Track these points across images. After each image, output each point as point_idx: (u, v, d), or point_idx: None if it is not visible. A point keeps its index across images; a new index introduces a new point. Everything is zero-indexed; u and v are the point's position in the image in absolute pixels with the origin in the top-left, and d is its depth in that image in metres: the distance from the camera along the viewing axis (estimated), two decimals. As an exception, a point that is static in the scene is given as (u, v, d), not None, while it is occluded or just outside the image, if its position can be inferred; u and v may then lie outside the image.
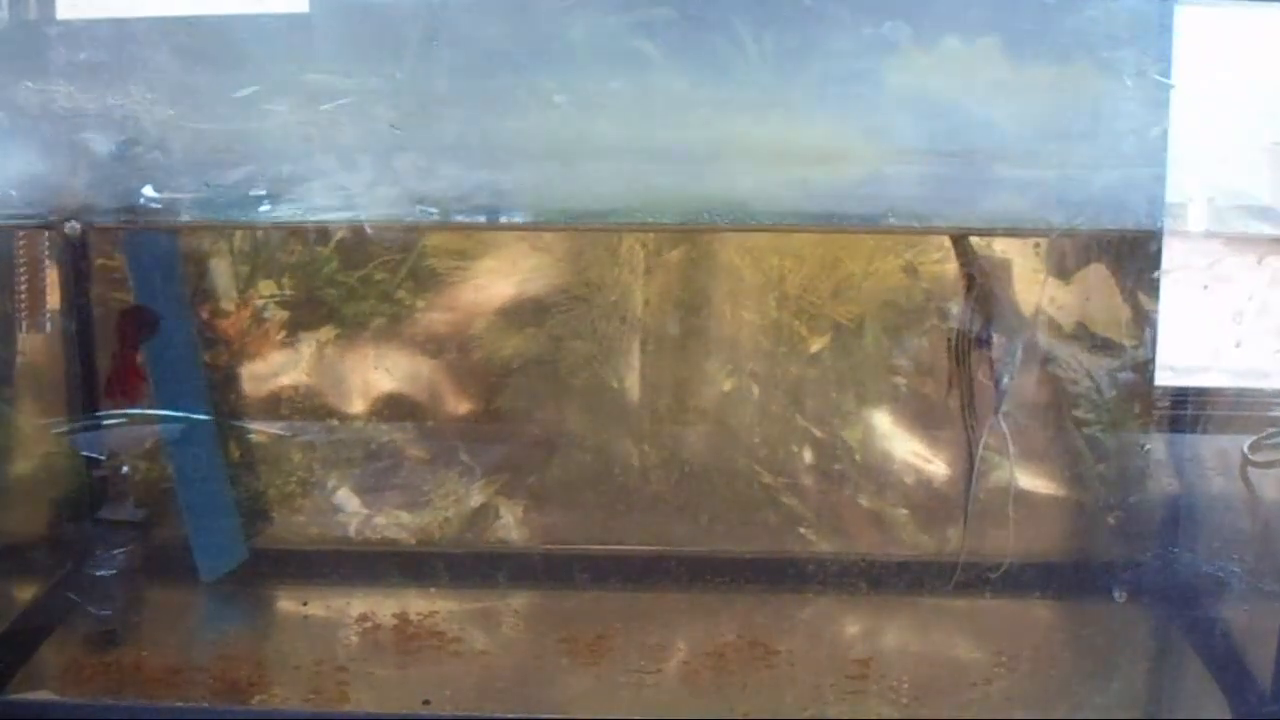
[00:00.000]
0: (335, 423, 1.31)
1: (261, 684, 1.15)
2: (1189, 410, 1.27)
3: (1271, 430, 1.27)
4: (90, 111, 1.05)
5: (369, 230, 1.09)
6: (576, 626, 1.23)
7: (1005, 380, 1.13)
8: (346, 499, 1.33)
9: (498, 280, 1.28)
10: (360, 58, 1.07)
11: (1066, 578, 1.27)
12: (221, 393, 1.30)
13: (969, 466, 1.15)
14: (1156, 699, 1.18)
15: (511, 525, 1.33)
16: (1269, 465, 1.28)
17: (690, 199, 1.11)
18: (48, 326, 1.26)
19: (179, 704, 1.11)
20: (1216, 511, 1.27)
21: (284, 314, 1.30)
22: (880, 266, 1.26)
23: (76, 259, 1.26)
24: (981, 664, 1.19)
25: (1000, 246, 1.23)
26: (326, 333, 1.30)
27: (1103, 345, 1.26)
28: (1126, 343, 1.26)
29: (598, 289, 1.28)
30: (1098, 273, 1.26)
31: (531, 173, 1.12)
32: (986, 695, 1.13)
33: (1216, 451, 1.29)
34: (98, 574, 1.26)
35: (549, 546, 1.34)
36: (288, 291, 1.29)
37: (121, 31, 1.05)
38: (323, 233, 1.26)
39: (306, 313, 1.30)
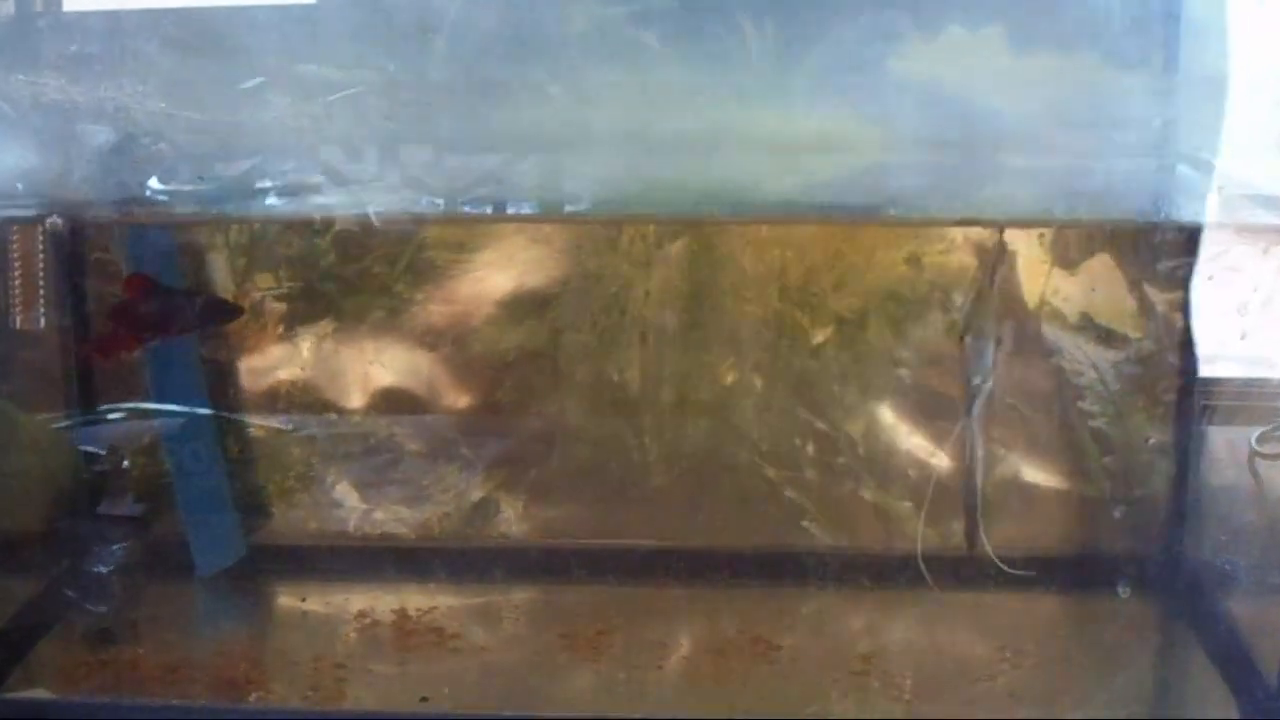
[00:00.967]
0: (334, 417, 1.30)
1: (259, 681, 1.14)
2: (1196, 401, 1.26)
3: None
4: (81, 104, 1.04)
5: (376, 222, 1.08)
6: (577, 622, 1.22)
7: (976, 381, 1.12)
8: (345, 494, 1.32)
9: (496, 273, 1.28)
10: (359, 50, 1.07)
11: (1072, 572, 1.25)
12: (219, 387, 1.29)
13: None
14: (1162, 695, 1.17)
15: (512, 520, 1.32)
16: (1277, 457, 1.27)
17: (690, 190, 1.11)
18: (41, 321, 1.26)
19: (175, 702, 1.10)
20: (1223, 504, 1.26)
21: (282, 308, 1.29)
22: (883, 259, 1.25)
23: (68, 253, 1.25)
24: (985, 659, 1.18)
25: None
26: (325, 326, 1.29)
27: (1108, 337, 1.25)
28: (1132, 334, 1.25)
29: (597, 281, 1.27)
30: (1103, 263, 1.25)
31: (531, 164, 1.12)
32: (990, 691, 1.12)
33: (1224, 443, 1.28)
34: (96, 570, 1.25)
35: (549, 541, 1.33)
36: (285, 285, 1.28)
37: (113, 24, 1.05)
38: (320, 226, 1.25)
39: (304, 306, 1.29)
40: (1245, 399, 1.27)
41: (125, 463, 1.29)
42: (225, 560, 1.27)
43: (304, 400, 1.30)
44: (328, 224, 1.22)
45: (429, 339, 1.29)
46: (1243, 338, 1.16)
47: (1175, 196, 1.16)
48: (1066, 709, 1.09)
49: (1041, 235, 1.24)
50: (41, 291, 1.24)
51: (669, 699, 1.14)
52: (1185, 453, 1.27)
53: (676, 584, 1.30)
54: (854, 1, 1.07)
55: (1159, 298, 1.24)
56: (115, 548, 1.26)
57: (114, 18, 1.08)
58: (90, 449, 1.28)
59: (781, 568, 1.29)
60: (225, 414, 1.29)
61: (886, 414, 1.27)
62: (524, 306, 1.28)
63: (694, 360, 1.29)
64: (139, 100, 1.06)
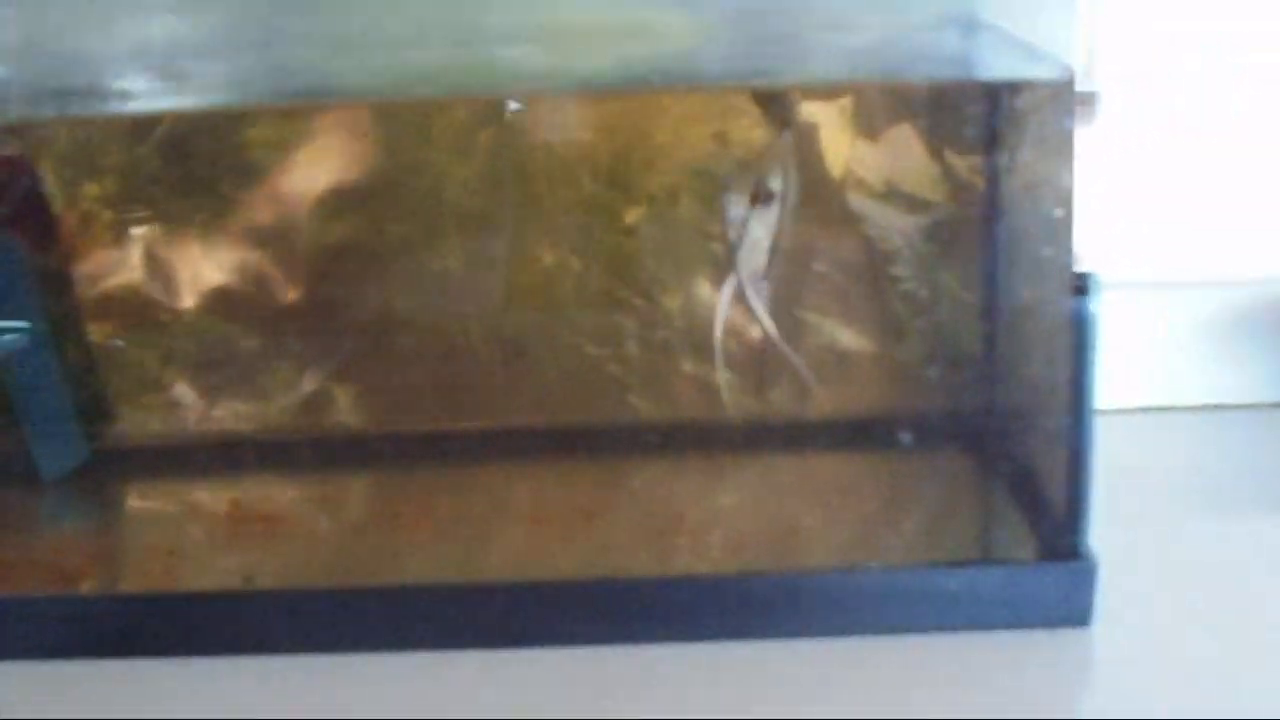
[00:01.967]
0: (167, 319, 1.33)
1: (90, 572, 1.18)
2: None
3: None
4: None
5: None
6: (406, 503, 1.26)
7: (732, 237, 1.13)
8: (183, 393, 1.35)
9: (317, 169, 1.30)
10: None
11: (890, 431, 1.30)
12: (53, 297, 1.31)
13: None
14: (971, 538, 1.23)
15: (345, 409, 1.35)
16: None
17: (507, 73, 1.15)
18: None
19: (14, 595, 1.13)
20: (1032, 368, 1.30)
21: (110, 214, 1.31)
22: (690, 136, 1.28)
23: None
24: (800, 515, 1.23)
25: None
26: (152, 231, 1.31)
27: (912, 203, 1.29)
28: (936, 199, 1.29)
29: (414, 173, 1.30)
30: (903, 132, 1.29)
31: (350, 59, 1.15)
32: (795, 545, 1.17)
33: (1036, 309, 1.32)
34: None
35: (381, 428, 1.36)
36: (111, 192, 1.30)
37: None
38: (141, 132, 1.27)
39: (132, 212, 1.31)
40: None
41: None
42: (68, 465, 1.30)
43: (136, 304, 1.33)
44: (150, 128, 1.25)
45: (254, 237, 1.31)
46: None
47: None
48: (876, 555, 1.13)
49: (842, 107, 1.27)
50: None
51: (494, 565, 1.18)
52: (995, 313, 1.30)
53: (505, 463, 1.33)
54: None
55: (960, 162, 1.28)
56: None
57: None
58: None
59: (607, 441, 1.33)
60: (56, 324, 1.31)
61: (703, 287, 1.31)
62: (345, 200, 1.31)
63: (512, 245, 1.32)
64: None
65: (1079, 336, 1.02)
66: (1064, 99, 1.08)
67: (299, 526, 1.24)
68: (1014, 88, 1.19)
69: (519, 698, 1.01)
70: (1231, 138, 1.38)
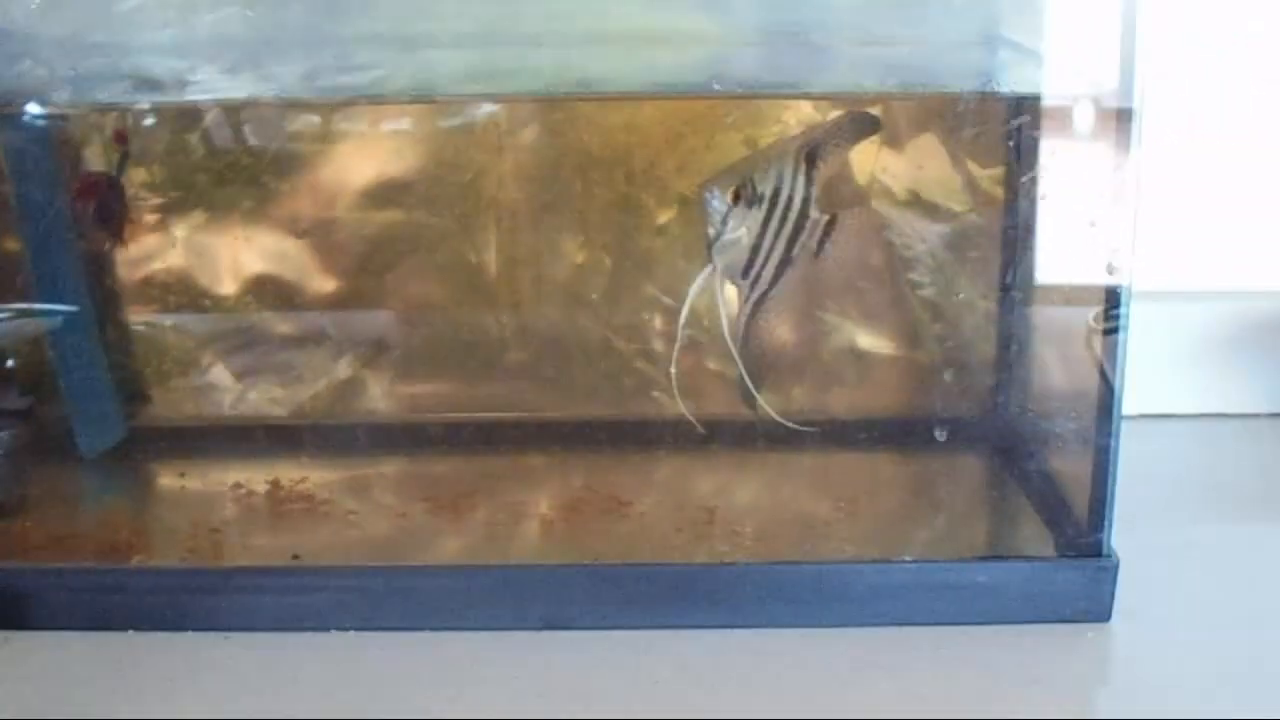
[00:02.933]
0: (208, 303, 1.36)
1: (140, 546, 1.21)
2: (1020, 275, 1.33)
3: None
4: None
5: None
6: (440, 488, 1.29)
7: (710, 234, 1.14)
8: (220, 377, 1.37)
9: (360, 162, 1.33)
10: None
11: (910, 432, 1.34)
12: (98, 279, 1.34)
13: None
14: (991, 536, 1.27)
15: (377, 397, 1.38)
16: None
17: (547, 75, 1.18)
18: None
19: (69, 566, 1.16)
20: (1056, 373, 1.34)
21: (156, 200, 1.34)
22: (721, 141, 1.32)
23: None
24: (823, 511, 1.27)
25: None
26: (197, 217, 1.34)
27: (934, 212, 1.32)
28: (958, 209, 1.33)
29: (454, 168, 1.33)
30: (929, 141, 1.32)
31: (404, 56, 1.18)
32: (827, 537, 1.21)
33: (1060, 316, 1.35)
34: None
35: (413, 416, 1.40)
36: (159, 178, 1.33)
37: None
38: (191, 120, 1.30)
39: (177, 198, 1.34)
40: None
41: (10, 361, 1.33)
42: (107, 441, 1.33)
43: (179, 288, 1.35)
44: (198, 118, 1.27)
45: (295, 227, 1.34)
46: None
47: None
48: (898, 551, 1.17)
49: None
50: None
51: (529, 550, 1.21)
52: (1013, 321, 1.34)
53: (534, 453, 1.37)
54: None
55: (981, 173, 1.31)
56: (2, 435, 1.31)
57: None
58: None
59: (633, 434, 1.37)
60: (103, 308, 1.34)
61: (729, 288, 1.34)
62: (385, 193, 1.34)
63: (547, 241, 1.35)
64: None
65: (1107, 343, 1.06)
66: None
67: (336, 507, 1.26)
68: (1033, 100, 1.22)
69: (568, 681, 1.04)
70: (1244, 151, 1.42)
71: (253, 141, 1.32)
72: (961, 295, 1.34)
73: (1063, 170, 1.20)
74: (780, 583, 1.11)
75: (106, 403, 1.34)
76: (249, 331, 1.37)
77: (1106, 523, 1.11)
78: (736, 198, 1.12)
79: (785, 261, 1.14)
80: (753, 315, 1.16)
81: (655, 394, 1.37)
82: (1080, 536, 1.13)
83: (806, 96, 1.29)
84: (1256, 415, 1.54)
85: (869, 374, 1.38)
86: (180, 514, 1.28)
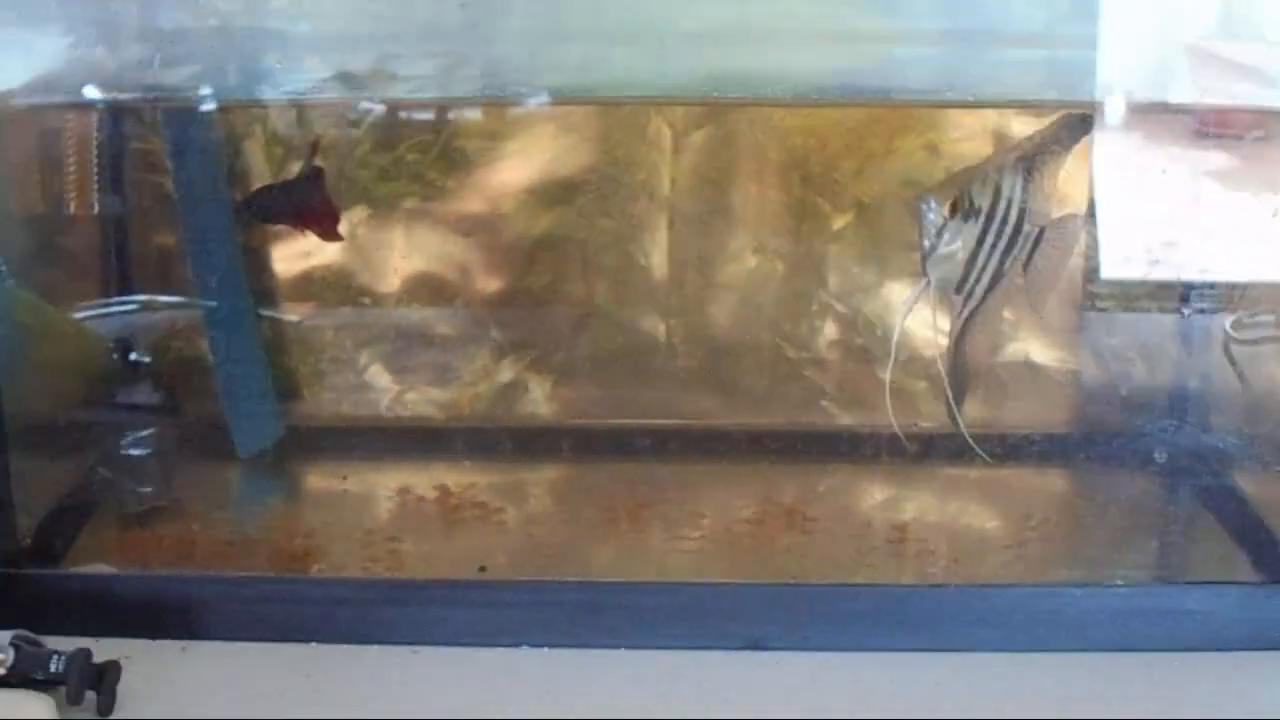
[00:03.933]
0: (367, 301, 1.33)
1: (317, 555, 1.18)
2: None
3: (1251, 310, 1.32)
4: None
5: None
6: (614, 497, 1.27)
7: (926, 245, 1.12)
8: (378, 376, 1.35)
9: (528, 161, 1.31)
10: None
11: (1088, 448, 1.32)
12: (256, 275, 1.32)
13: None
14: (1185, 560, 1.24)
15: (540, 400, 1.36)
16: (1252, 342, 1.33)
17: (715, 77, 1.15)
18: (95, 207, 1.28)
19: (247, 574, 1.14)
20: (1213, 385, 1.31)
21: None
22: (902, 146, 1.29)
23: (111, 141, 1.27)
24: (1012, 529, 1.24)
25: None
26: (359, 213, 1.32)
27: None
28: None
29: (626, 168, 1.31)
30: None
31: (564, 56, 1.15)
32: (1021, 557, 1.19)
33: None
34: (130, 454, 1.28)
35: (577, 421, 1.37)
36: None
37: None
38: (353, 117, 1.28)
39: (339, 194, 1.31)
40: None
41: (146, 355, 1.31)
42: (264, 441, 1.30)
43: (338, 286, 1.33)
44: (364, 113, 1.25)
45: (460, 225, 1.32)
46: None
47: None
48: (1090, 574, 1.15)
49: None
50: (96, 177, 1.26)
51: (719, 567, 1.19)
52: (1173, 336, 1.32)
53: (700, 462, 1.35)
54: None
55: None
56: (145, 434, 1.29)
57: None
58: (122, 339, 1.31)
59: (803, 444, 1.34)
60: (257, 305, 1.31)
61: (904, 297, 1.32)
62: (554, 193, 1.31)
63: (718, 244, 1.33)
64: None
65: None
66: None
67: (511, 515, 1.24)
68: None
69: (771, 703, 1.02)
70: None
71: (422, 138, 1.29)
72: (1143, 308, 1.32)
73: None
74: (988, 605, 1.09)
75: (264, 402, 1.31)
76: (408, 331, 1.34)
77: (1322, 547, 1.08)
78: (954, 210, 1.09)
79: (998, 275, 1.11)
80: (964, 331, 1.13)
81: (824, 404, 1.34)
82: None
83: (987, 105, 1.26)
84: None
85: (1054, 390, 1.35)
86: (349, 520, 1.25)
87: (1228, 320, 1.32)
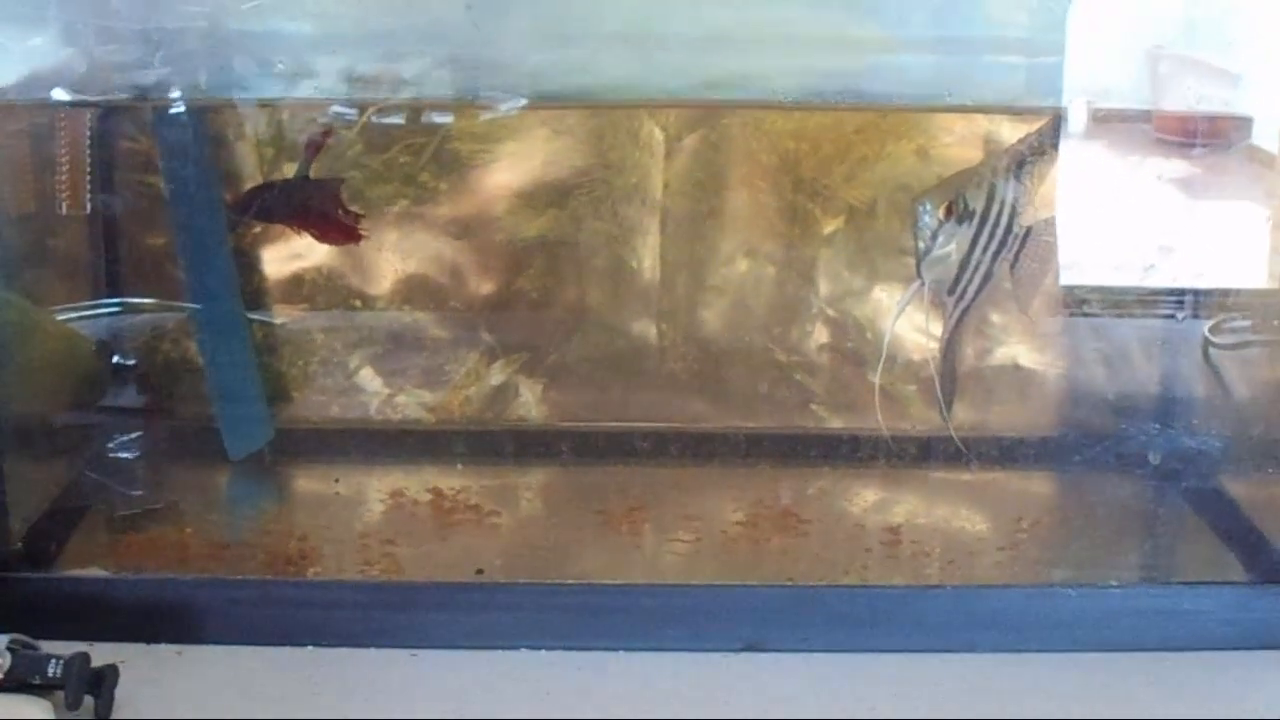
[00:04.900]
0: (358, 304, 1.33)
1: (313, 557, 1.18)
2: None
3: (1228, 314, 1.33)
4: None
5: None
6: (607, 500, 1.27)
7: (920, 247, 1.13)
8: (369, 379, 1.35)
9: (520, 163, 1.31)
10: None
11: (1076, 451, 1.32)
12: (246, 276, 1.31)
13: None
14: (1175, 560, 1.25)
15: (532, 403, 1.36)
16: (1230, 347, 1.33)
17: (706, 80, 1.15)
18: (89, 206, 1.27)
19: (243, 578, 1.13)
20: (1199, 389, 1.32)
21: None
22: (893, 151, 1.30)
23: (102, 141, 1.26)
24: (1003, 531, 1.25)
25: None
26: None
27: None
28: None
29: (618, 172, 1.31)
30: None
31: (558, 59, 1.15)
32: (1014, 558, 1.20)
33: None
34: (119, 457, 1.27)
35: (568, 424, 1.37)
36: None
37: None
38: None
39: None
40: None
41: (134, 357, 1.30)
42: (255, 444, 1.30)
43: (329, 288, 1.33)
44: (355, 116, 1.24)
45: (452, 228, 1.32)
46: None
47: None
48: (1082, 575, 1.15)
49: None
50: (89, 177, 1.25)
51: (715, 568, 1.19)
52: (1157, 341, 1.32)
53: (692, 464, 1.34)
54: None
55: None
56: (131, 437, 1.28)
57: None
58: (108, 341, 1.30)
59: (794, 447, 1.34)
60: (247, 307, 1.31)
61: (894, 301, 1.32)
62: (546, 196, 1.31)
63: (710, 248, 1.33)
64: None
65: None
66: None
67: (505, 518, 1.24)
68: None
69: (769, 705, 1.02)
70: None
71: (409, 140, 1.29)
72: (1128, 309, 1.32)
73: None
74: (983, 606, 1.09)
75: (255, 404, 1.30)
76: (400, 333, 1.34)
77: (1316, 547, 1.09)
78: (949, 213, 1.10)
79: (988, 276, 1.12)
80: (955, 331, 1.14)
81: (813, 407, 1.35)
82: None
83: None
84: None
85: (1040, 392, 1.36)
86: (342, 523, 1.24)
87: (1206, 325, 1.33)
